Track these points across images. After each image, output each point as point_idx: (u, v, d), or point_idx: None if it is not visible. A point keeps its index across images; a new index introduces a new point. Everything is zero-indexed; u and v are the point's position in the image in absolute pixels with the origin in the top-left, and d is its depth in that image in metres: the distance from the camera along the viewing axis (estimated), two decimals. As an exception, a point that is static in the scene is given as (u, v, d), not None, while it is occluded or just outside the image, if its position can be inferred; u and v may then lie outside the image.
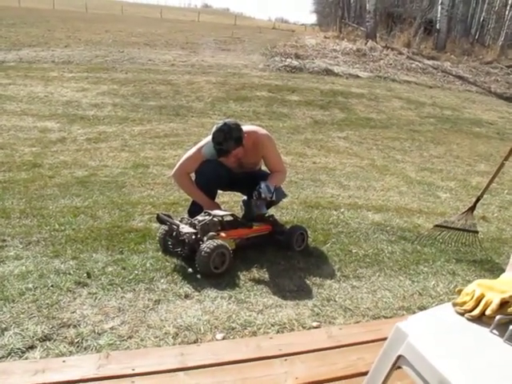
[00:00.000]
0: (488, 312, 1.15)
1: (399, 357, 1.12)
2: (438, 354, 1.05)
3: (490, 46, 18.37)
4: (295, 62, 11.97)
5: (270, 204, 3.10)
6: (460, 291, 1.26)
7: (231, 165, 2.98)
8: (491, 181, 3.27)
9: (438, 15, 17.29)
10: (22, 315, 2.02)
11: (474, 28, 22.74)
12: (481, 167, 6.04)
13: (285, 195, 3.24)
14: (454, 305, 1.22)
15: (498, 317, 1.12)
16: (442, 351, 1.06)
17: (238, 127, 2.82)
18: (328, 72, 11.62)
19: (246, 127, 2.98)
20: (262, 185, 2.82)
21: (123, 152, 5.15)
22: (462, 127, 8.61)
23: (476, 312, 1.17)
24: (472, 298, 1.20)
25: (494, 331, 1.12)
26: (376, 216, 3.80)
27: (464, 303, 1.21)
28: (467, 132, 8.31)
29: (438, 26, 17.31)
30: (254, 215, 2.93)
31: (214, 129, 2.84)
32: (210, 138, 2.87)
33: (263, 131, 3.03)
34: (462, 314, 1.19)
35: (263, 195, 2.80)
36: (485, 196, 3.48)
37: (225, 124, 2.80)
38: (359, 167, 5.37)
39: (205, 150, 2.94)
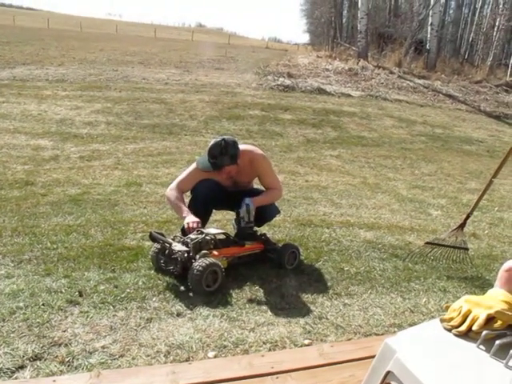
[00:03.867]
0: (475, 328, 1.17)
1: (388, 373, 1.13)
2: (426, 369, 1.07)
3: (479, 66, 18.69)
4: (288, 81, 12.11)
5: (264, 221, 3.12)
6: (448, 307, 1.28)
7: (224, 182, 3.00)
8: (480, 198, 3.32)
9: (428, 36, 17.61)
10: (12, 334, 2.01)
11: (463, 48, 23.16)
12: (471, 185, 6.10)
13: (278, 212, 3.26)
14: (442, 321, 1.24)
15: (484, 332, 1.14)
16: (430, 367, 1.08)
17: (235, 145, 2.85)
18: (320, 91, 11.75)
19: (242, 146, 3.01)
20: (242, 204, 2.85)
21: (116, 170, 5.16)
22: (453, 145, 8.71)
23: (463, 328, 1.19)
24: (459, 313, 1.22)
25: (481, 346, 1.14)
26: (368, 234, 3.82)
27: (451, 319, 1.23)
28: (458, 150, 8.41)
29: (428, 46, 17.62)
30: (242, 232, 2.96)
31: (211, 142, 2.88)
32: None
33: (259, 151, 3.05)
34: (450, 330, 1.21)
35: (241, 215, 2.84)
36: (475, 213, 3.52)
37: (223, 139, 2.83)
38: (351, 185, 5.42)
39: (199, 160, 2.99)
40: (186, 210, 2.88)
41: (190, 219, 2.77)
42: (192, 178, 3.00)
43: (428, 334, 1.20)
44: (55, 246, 3.04)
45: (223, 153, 2.80)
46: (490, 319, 1.17)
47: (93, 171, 5.05)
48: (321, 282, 2.83)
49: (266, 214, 3.08)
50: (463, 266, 3.31)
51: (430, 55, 17.45)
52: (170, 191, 2.98)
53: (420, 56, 18.10)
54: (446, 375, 1.06)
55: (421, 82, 14.39)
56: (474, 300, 1.24)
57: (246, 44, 35.26)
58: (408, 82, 14.13)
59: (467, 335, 1.17)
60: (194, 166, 3.04)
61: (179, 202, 2.91)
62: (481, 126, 10.79)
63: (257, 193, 3.05)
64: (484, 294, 2.82)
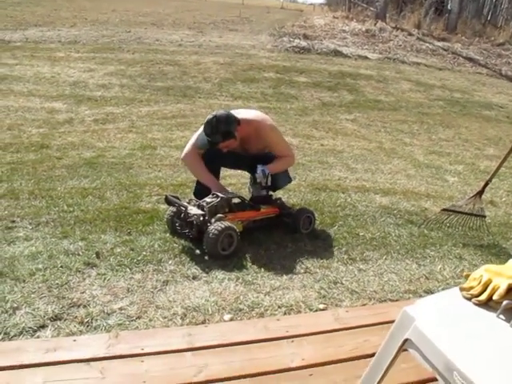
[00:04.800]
0: (495, 297, 1.16)
1: (406, 340, 1.13)
2: (445, 337, 1.06)
3: (503, 27, 18.01)
4: (303, 43, 11.82)
5: (274, 188, 3.10)
6: (467, 276, 1.26)
7: (232, 149, 2.97)
8: (500, 165, 3.25)
9: (450, -5, 17.01)
10: (32, 295, 2.06)
11: (486, 8, 22.31)
12: (490, 151, 5.98)
13: (289, 180, 3.23)
14: (462, 289, 1.23)
15: (504, 302, 1.13)
16: (449, 335, 1.07)
17: (227, 120, 2.77)
18: (336, 53, 11.47)
19: (249, 115, 2.96)
20: (258, 170, 2.83)
21: (130, 133, 5.14)
22: (472, 110, 8.50)
23: (483, 297, 1.17)
24: (479, 282, 1.21)
25: (501, 316, 1.13)
26: (383, 199, 3.79)
27: (471, 288, 1.22)
28: (477, 115, 8.21)
29: (449, 7, 17.01)
30: (257, 197, 2.97)
31: (206, 119, 2.85)
32: None
33: (265, 121, 2.97)
34: (469, 299, 1.19)
35: (258, 180, 2.83)
36: (493, 180, 3.46)
37: (214, 116, 2.77)
38: (367, 150, 5.34)
39: (198, 141, 2.96)
40: (212, 178, 2.91)
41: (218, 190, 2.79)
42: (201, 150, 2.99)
43: (447, 302, 1.19)
44: (71, 209, 3.07)
45: (214, 131, 2.76)
46: (511, 289, 1.15)
47: (107, 134, 5.04)
48: (336, 247, 2.83)
49: (277, 181, 3.05)
50: (479, 234, 3.28)
51: (450, 16, 16.84)
52: (189, 157, 2.97)
53: (440, 17, 17.47)
54: (464, 344, 1.06)
55: (440, 44, 13.95)
56: (495, 269, 1.23)
57: (260, 4, 34.37)
58: (427, 44, 13.71)
59: (487, 304, 1.16)
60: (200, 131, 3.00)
61: (204, 169, 2.93)
62: (501, 91, 10.48)
63: (270, 159, 3.00)
64: (500, 261, 2.81)
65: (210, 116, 2.82)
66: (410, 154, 5.38)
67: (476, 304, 1.18)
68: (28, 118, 5.48)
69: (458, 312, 1.15)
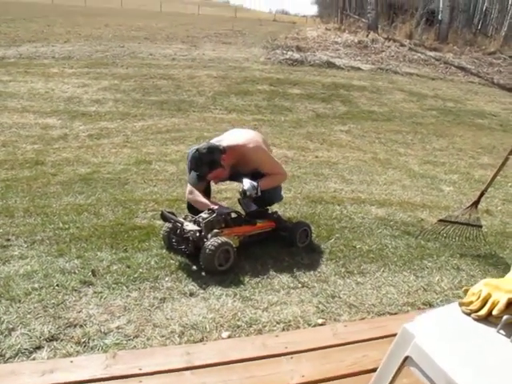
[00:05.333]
0: (495, 312, 1.15)
1: (406, 358, 1.12)
2: (445, 354, 1.05)
3: (493, 36, 18.22)
4: (296, 55, 11.90)
5: (268, 203, 3.09)
6: (466, 290, 1.26)
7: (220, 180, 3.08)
8: (495, 175, 3.26)
9: (440, 5, 17.17)
10: (28, 315, 2.04)
11: (476, 18, 22.57)
12: (484, 160, 6.01)
13: (280, 198, 3.24)
14: (461, 304, 1.22)
15: (505, 317, 1.12)
16: (449, 352, 1.06)
17: (209, 150, 2.80)
18: (329, 65, 11.55)
19: (232, 140, 2.97)
20: (246, 183, 2.82)
21: (125, 148, 5.14)
22: (465, 119, 8.56)
23: (483, 312, 1.17)
24: (479, 297, 1.20)
25: (501, 331, 1.12)
26: (379, 210, 3.80)
27: (471, 303, 1.21)
28: (470, 124, 8.26)
29: (440, 17, 17.18)
30: (246, 211, 2.97)
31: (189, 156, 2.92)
32: None
33: (248, 144, 2.96)
34: (469, 314, 1.19)
35: (248, 193, 2.80)
36: (488, 189, 3.47)
37: (196, 150, 2.82)
38: (362, 161, 5.36)
39: (190, 179, 3.03)
40: (210, 202, 2.91)
41: (219, 209, 2.79)
42: (197, 187, 3.03)
43: (447, 318, 1.18)
44: (67, 226, 3.05)
45: (198, 164, 2.82)
46: (510, 303, 1.15)
47: (102, 149, 5.03)
48: (333, 260, 2.82)
49: (271, 196, 3.07)
50: (476, 244, 3.28)
51: (441, 26, 17.00)
52: (189, 194, 3.02)
53: (431, 27, 17.65)
54: (465, 360, 1.05)
55: (432, 54, 14.08)
56: (494, 283, 1.22)
57: (253, 17, 34.69)
58: (419, 54, 13.84)
59: (487, 319, 1.15)
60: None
61: (202, 199, 2.93)
62: (494, 100, 10.58)
63: (261, 175, 2.99)
64: (497, 271, 2.81)
65: (191, 151, 2.88)
66: (404, 165, 5.40)
67: (476, 319, 1.17)
68: (22, 134, 5.47)
69: (457, 328, 1.15)
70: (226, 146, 2.89)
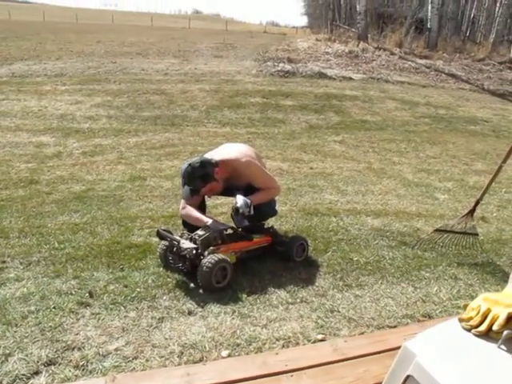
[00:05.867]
0: (495, 327, 1.15)
1: (408, 377, 1.12)
2: (447, 373, 1.05)
3: (482, 43, 18.43)
4: (288, 67, 11.99)
5: (257, 220, 3.08)
6: (466, 306, 1.26)
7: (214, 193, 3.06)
8: (490, 184, 3.27)
9: (429, 14, 17.35)
10: (25, 339, 2.01)
11: (464, 25, 22.85)
12: (478, 166, 6.05)
13: (274, 213, 3.21)
14: (461, 320, 1.22)
15: (505, 332, 1.12)
16: (451, 370, 1.06)
17: (202, 164, 2.80)
18: (321, 75, 11.63)
19: (224, 155, 2.97)
20: (240, 200, 2.80)
21: (120, 165, 5.13)
22: (457, 126, 8.62)
23: (483, 328, 1.16)
24: (478, 312, 1.20)
25: (502, 347, 1.11)
26: (375, 221, 3.80)
27: (470, 318, 1.20)
28: (462, 130, 8.32)
29: (428, 25, 17.36)
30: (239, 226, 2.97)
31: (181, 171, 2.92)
32: None
33: (240, 159, 2.95)
34: (469, 330, 1.18)
35: (241, 210, 2.78)
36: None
37: (189, 165, 2.82)
38: (356, 171, 5.38)
39: (183, 194, 3.01)
40: (204, 218, 2.89)
41: (215, 225, 2.77)
42: (191, 202, 3.01)
43: (447, 335, 1.18)
44: (63, 246, 3.03)
45: (191, 178, 2.82)
46: (510, 318, 1.14)
47: (96, 167, 5.02)
48: (331, 274, 2.82)
49: (263, 212, 3.03)
50: (473, 252, 3.29)
51: (431, 34, 17.20)
52: (182, 209, 3.00)
53: (421, 35, 17.86)
54: (466, 378, 1.04)
55: (422, 62, 14.22)
56: (493, 298, 1.22)
57: (243, 29, 34.95)
58: (410, 62, 13.96)
59: (487, 335, 1.15)
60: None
61: (196, 214, 2.92)
62: (485, 105, 10.67)
63: (254, 190, 2.98)
64: (495, 279, 2.82)
65: (183, 166, 2.88)
66: (399, 174, 5.42)
67: (476, 335, 1.16)
68: (16, 153, 5.46)
69: (458, 345, 1.14)
70: (219, 160, 2.89)
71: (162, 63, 12.20)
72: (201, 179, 2.81)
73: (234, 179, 3.00)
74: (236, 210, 2.80)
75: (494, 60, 15.24)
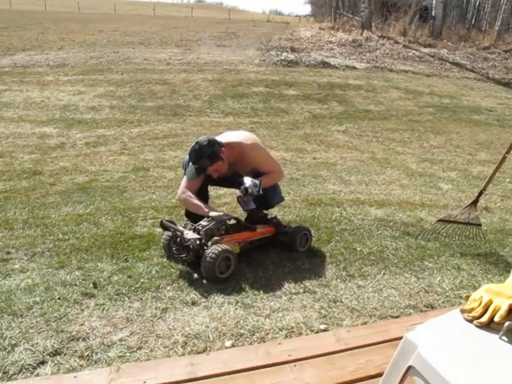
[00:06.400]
0: (497, 318, 1.15)
1: (409, 367, 1.12)
2: (448, 364, 1.06)
3: (487, 31, 18.25)
4: (291, 56, 11.92)
5: (265, 207, 3.10)
6: (467, 297, 1.26)
7: (220, 174, 2.97)
8: (493, 174, 3.26)
9: (434, 2, 17.18)
10: (31, 330, 2.03)
11: (469, 13, 22.61)
12: (481, 156, 6.02)
13: (281, 199, 3.24)
14: (462, 311, 1.22)
15: (506, 323, 1.13)
16: (452, 361, 1.06)
17: (210, 143, 2.80)
18: (324, 64, 11.57)
19: (230, 138, 2.98)
20: (247, 180, 2.81)
21: (123, 155, 5.14)
22: (462, 115, 8.58)
23: (484, 319, 1.17)
24: (480, 304, 1.20)
25: (504, 338, 1.12)
26: (378, 211, 3.80)
27: (472, 309, 1.21)
28: (466, 120, 8.28)
29: (433, 13, 17.20)
30: (245, 209, 2.97)
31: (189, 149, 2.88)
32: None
33: (246, 142, 2.96)
34: (471, 321, 1.19)
35: (250, 190, 2.78)
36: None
37: (196, 143, 2.82)
38: (360, 161, 5.36)
39: (188, 173, 2.98)
40: (205, 205, 2.89)
41: (214, 214, 2.76)
42: (194, 183, 2.99)
43: (449, 326, 1.19)
44: (67, 237, 3.05)
45: (199, 156, 2.80)
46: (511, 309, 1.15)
47: (99, 157, 5.03)
48: (334, 264, 2.83)
49: (269, 199, 3.06)
50: (476, 242, 3.29)
51: (435, 22, 17.04)
52: (182, 194, 2.97)
53: (425, 24, 17.69)
54: (468, 369, 1.05)
55: (427, 50, 14.11)
56: (495, 289, 1.22)
57: (246, 18, 34.70)
58: (414, 51, 13.86)
59: (489, 326, 1.16)
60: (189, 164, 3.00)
61: (195, 201, 2.91)
62: (490, 95, 10.60)
63: (258, 175, 2.97)
64: (498, 270, 2.82)
65: (191, 145, 2.86)
66: (402, 163, 5.40)
67: (478, 326, 1.17)
68: (19, 144, 5.47)
69: (460, 336, 1.15)
70: (225, 143, 2.90)
71: (164, 53, 12.15)
72: (208, 158, 2.80)
73: (238, 165, 2.99)
74: (245, 190, 2.80)
75: (499, 48, 15.10)
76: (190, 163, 2.92)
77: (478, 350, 1.10)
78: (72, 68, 10.02)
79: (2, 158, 4.89)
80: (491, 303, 1.19)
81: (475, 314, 1.19)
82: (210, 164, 2.83)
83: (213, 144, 2.81)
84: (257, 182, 2.81)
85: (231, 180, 3.08)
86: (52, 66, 10.17)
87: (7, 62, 10.32)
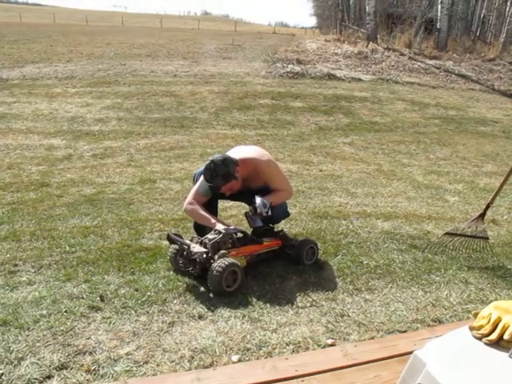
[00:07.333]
0: (506, 336, 1.15)
1: (418, 385, 1.12)
2: (457, 382, 1.05)
3: (492, 43, 18.29)
4: (297, 68, 11.98)
5: (270, 222, 3.08)
6: (476, 314, 1.26)
7: (233, 192, 2.97)
8: (501, 187, 3.25)
9: (439, 14, 17.23)
10: (37, 343, 2.03)
11: (474, 25, 22.68)
12: (488, 168, 6.01)
13: (286, 215, 3.22)
14: (471, 329, 1.22)
15: (516, 341, 1.12)
16: (461, 380, 1.06)
17: (225, 162, 2.78)
18: (330, 76, 11.62)
19: (245, 154, 2.97)
20: (258, 200, 2.81)
21: (129, 167, 5.17)
22: (467, 127, 8.57)
23: (493, 336, 1.16)
24: (489, 321, 1.20)
25: (513, 356, 1.11)
26: (385, 224, 3.79)
27: (481, 327, 1.20)
28: (472, 132, 8.27)
29: (438, 25, 17.25)
30: (258, 229, 2.95)
31: (204, 166, 2.87)
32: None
33: (261, 158, 2.96)
34: (480, 339, 1.18)
35: (259, 210, 2.79)
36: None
37: (212, 162, 2.79)
38: (366, 173, 5.36)
39: (201, 188, 2.96)
40: (212, 218, 2.88)
41: (220, 227, 2.76)
42: (204, 197, 2.98)
43: (457, 343, 1.18)
44: (74, 250, 3.06)
45: (213, 176, 2.78)
46: (521, 327, 1.14)
47: (106, 169, 5.06)
48: (340, 278, 2.81)
49: (275, 215, 3.03)
50: (484, 256, 3.27)
51: (440, 34, 17.09)
52: (189, 205, 2.95)
53: (430, 36, 17.75)
54: (478, 387, 1.04)
55: (432, 62, 14.15)
56: (503, 306, 1.22)
57: (252, 30, 34.97)
58: (419, 63, 13.90)
59: (498, 344, 1.15)
60: (201, 179, 2.98)
61: (203, 212, 2.90)
62: (495, 106, 10.60)
63: (267, 191, 2.99)
64: (506, 284, 2.79)
65: (206, 162, 2.84)
66: (409, 175, 5.40)
67: (487, 344, 1.16)
68: (27, 155, 5.52)
69: (468, 354, 1.14)
70: (240, 159, 2.88)
71: (171, 65, 12.25)
72: (222, 178, 2.79)
73: (250, 180, 2.99)
74: (254, 210, 2.80)
75: (504, 60, 15.11)
76: (203, 176, 2.90)
77: (487, 368, 1.09)
78: (80, 80, 10.12)
79: (11, 170, 4.93)
80: (500, 321, 1.18)
81: (484, 331, 1.18)
82: (224, 184, 2.82)
83: (228, 163, 2.79)
84: (266, 202, 2.81)
85: (241, 194, 3.08)
86: (60, 78, 10.28)
87: (16, 74, 10.44)
